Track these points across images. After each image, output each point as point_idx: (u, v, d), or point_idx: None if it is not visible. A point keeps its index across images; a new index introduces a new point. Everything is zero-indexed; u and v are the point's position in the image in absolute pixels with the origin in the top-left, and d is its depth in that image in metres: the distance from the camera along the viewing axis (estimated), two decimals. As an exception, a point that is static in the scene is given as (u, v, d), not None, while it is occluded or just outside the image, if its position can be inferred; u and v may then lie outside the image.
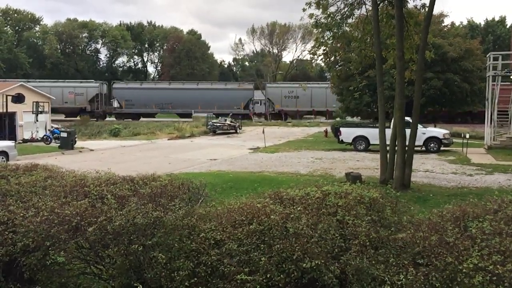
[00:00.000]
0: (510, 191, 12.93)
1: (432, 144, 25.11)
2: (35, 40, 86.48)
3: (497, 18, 78.59)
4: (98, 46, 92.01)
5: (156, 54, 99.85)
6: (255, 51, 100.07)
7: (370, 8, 15.10)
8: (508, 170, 17.83)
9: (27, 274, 5.58)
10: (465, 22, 75.95)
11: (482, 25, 76.96)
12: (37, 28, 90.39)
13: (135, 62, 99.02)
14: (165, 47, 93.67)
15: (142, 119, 58.16)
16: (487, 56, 28.08)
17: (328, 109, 56.78)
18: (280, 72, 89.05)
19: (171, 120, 53.93)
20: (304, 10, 15.43)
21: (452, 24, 39.20)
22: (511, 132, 27.27)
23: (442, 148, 25.19)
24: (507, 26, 75.91)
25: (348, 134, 26.83)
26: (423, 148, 24.91)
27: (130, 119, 56.59)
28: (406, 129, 14.16)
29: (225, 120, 44.30)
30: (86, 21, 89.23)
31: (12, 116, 32.31)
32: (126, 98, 58.94)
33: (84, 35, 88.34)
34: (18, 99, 32.10)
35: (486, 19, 78.27)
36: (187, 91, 58.79)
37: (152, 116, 60.59)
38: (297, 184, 7.27)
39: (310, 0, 15.26)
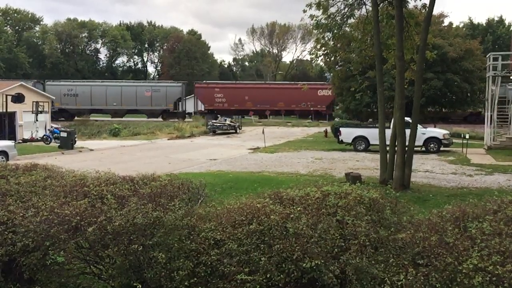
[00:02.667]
0: (510, 191, 12.93)
1: (432, 145, 25.12)
2: (35, 40, 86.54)
3: (497, 18, 78.65)
4: (98, 46, 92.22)
5: (156, 54, 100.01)
6: (255, 51, 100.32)
7: (370, 8, 15.10)
8: (508, 171, 17.84)
9: (26, 274, 5.58)
10: (466, 21, 76.04)
11: (482, 25, 76.92)
12: (37, 28, 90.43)
13: (135, 62, 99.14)
14: (165, 47, 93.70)
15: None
16: (487, 56, 28.09)
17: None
18: (280, 72, 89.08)
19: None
20: (304, 11, 15.46)
21: (450, 24, 39.17)
22: (510, 132, 27.29)
23: (442, 149, 25.19)
24: (507, 26, 75.91)
25: (348, 134, 26.83)
26: (423, 149, 24.91)
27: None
28: (406, 129, 14.17)
29: (225, 120, 44.32)
30: (85, 21, 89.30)
31: (12, 116, 32.32)
32: None
33: (84, 35, 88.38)
34: (18, 99, 32.11)
35: (488, 18, 78.34)
36: None
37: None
38: (297, 184, 7.26)
39: (311, 1, 15.27)
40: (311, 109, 56.40)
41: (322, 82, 61.94)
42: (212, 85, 60.39)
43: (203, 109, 58.44)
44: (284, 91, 57.01)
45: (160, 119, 55.43)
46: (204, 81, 65.48)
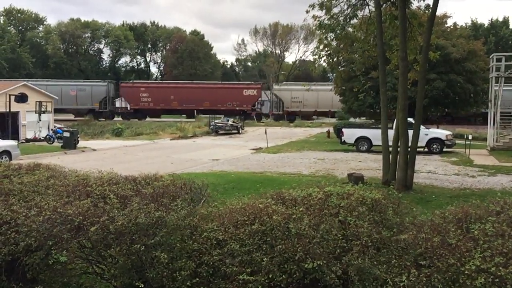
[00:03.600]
0: (513, 192, 12.90)
1: (435, 145, 25.07)
2: (38, 40, 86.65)
3: (500, 19, 78.43)
4: (101, 46, 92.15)
5: (159, 54, 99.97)
6: (257, 52, 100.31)
7: (374, 9, 15.09)
8: (511, 172, 17.79)
9: (29, 273, 5.58)
10: (469, 23, 75.85)
11: (485, 26, 76.73)
12: (40, 28, 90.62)
13: (138, 62, 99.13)
14: (168, 47, 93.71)
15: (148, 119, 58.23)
16: (490, 57, 28.02)
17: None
18: (282, 72, 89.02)
19: (174, 120, 54.06)
20: (307, 12, 15.46)
21: (455, 24, 39.04)
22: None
23: (444, 149, 25.14)
24: (511, 27, 75.70)
25: (350, 135, 26.81)
26: (426, 149, 24.87)
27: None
28: (408, 130, 14.15)
29: (228, 121, 44.33)
30: (89, 21, 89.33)
31: (15, 115, 32.38)
32: None
33: (87, 35, 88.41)
34: (21, 98, 32.18)
35: (491, 19, 78.11)
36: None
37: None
38: (299, 184, 7.27)
39: (314, 1, 15.28)
40: (237, 108, 56.16)
41: (248, 82, 62.53)
42: (138, 84, 60.33)
43: (128, 109, 58.33)
44: (210, 91, 56.78)
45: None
46: (130, 81, 65.37)
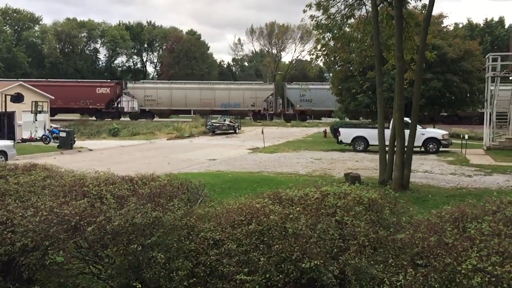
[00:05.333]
0: (509, 192, 12.94)
1: (431, 145, 25.14)
2: (34, 40, 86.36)
3: (496, 19, 78.77)
4: (97, 45, 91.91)
5: (155, 54, 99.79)
6: (254, 52, 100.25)
7: (370, 9, 15.12)
8: (507, 171, 17.86)
9: (26, 274, 5.57)
10: (465, 23, 76.11)
11: (481, 26, 77.01)
12: (36, 28, 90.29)
13: (134, 62, 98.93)
14: (164, 47, 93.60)
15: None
16: (486, 57, 28.12)
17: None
18: (279, 72, 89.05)
19: (171, 120, 54.03)
20: (304, 11, 15.48)
21: (455, 24, 39.14)
22: (510, 133, 27.31)
23: (441, 149, 25.21)
24: (506, 27, 76.00)
25: (347, 134, 26.85)
26: (422, 149, 24.93)
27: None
28: (405, 130, 14.18)
29: (224, 120, 44.31)
30: (85, 21, 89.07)
31: (11, 115, 32.27)
32: None
33: (83, 34, 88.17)
34: (17, 98, 32.07)
35: (486, 19, 78.42)
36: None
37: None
38: (296, 184, 7.27)
39: (311, 1, 15.28)
40: (90, 107, 55.21)
41: (101, 80, 60.74)
42: None
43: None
44: (63, 89, 54.30)
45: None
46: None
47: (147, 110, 56.35)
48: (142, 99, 56.49)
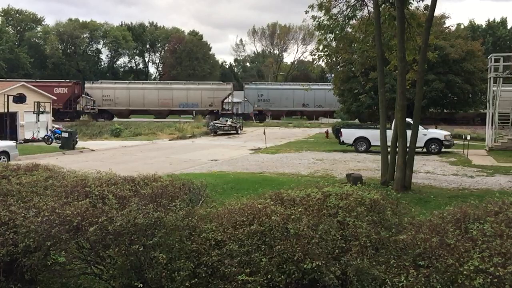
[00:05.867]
0: (511, 193, 12.92)
1: (433, 146, 25.09)
2: (36, 40, 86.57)
3: (498, 19, 78.62)
4: (100, 46, 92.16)
5: (157, 54, 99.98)
6: (256, 52, 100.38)
7: (372, 9, 15.11)
8: (509, 172, 17.82)
9: (28, 274, 5.58)
10: (467, 24, 76.01)
11: (483, 27, 76.92)
12: (38, 28, 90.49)
13: (137, 63, 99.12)
14: (166, 48, 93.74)
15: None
16: (489, 57, 28.06)
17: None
18: (281, 73, 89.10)
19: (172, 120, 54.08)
20: (306, 12, 15.48)
21: (458, 25, 39.10)
22: (512, 133, 27.24)
23: (443, 150, 25.17)
24: (509, 28, 75.90)
25: (349, 135, 26.83)
26: (424, 150, 24.89)
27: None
28: (407, 131, 14.16)
29: (226, 121, 44.33)
30: (87, 21, 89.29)
31: (13, 116, 32.33)
32: None
33: (85, 35, 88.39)
34: (20, 99, 32.13)
35: (488, 20, 78.29)
36: None
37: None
38: (298, 185, 7.26)
39: (312, 2, 15.30)
40: None
41: (59, 80, 59.57)
42: None
43: None
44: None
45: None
46: None
47: (105, 110, 56.39)
48: (100, 99, 56.53)
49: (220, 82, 65.32)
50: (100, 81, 60.90)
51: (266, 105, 58.11)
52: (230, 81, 68.30)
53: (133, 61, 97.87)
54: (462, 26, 66.48)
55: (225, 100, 58.12)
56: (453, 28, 39.68)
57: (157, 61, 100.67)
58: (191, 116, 57.16)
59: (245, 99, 60.56)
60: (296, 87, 59.30)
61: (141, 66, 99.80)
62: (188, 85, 59.46)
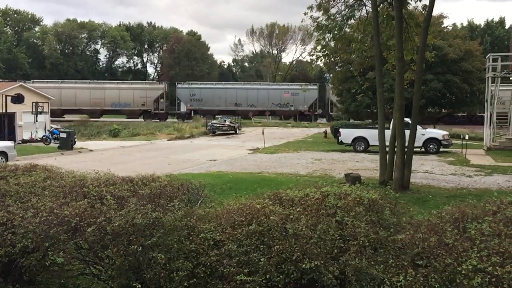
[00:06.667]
0: (509, 192, 12.94)
1: (432, 145, 25.13)
2: (34, 41, 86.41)
3: (496, 19, 78.78)
4: (98, 46, 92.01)
5: (155, 54, 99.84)
6: (254, 52, 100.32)
7: (371, 9, 15.12)
8: (508, 171, 17.85)
9: (26, 275, 5.57)
10: (465, 23, 76.14)
11: (481, 27, 77.04)
12: (36, 29, 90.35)
13: (135, 63, 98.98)
14: (164, 48, 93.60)
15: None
16: (487, 57, 28.11)
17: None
18: (280, 73, 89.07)
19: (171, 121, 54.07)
20: (305, 13, 15.49)
21: (454, 25, 39.20)
22: (510, 133, 27.30)
23: (441, 149, 25.21)
24: (507, 27, 76.03)
25: (347, 135, 26.86)
26: (423, 149, 24.93)
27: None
28: (405, 130, 14.17)
29: (225, 121, 44.33)
30: (85, 22, 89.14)
31: (11, 116, 32.28)
32: None
33: (83, 35, 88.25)
34: (18, 99, 32.06)
35: (487, 19, 78.42)
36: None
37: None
38: (296, 185, 7.26)
39: (310, 3, 15.32)
40: None
41: None
42: None
43: None
44: None
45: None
46: None
47: None
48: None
49: (153, 81, 65.00)
50: (32, 80, 60.50)
51: (198, 104, 58.29)
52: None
53: (131, 61, 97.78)
54: (459, 26, 66.60)
55: (161, 100, 58.11)
56: (450, 28, 39.78)
57: (156, 61, 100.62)
58: (125, 116, 57.40)
59: (178, 99, 60.41)
60: (228, 86, 60.30)
61: (139, 66, 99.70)
62: (120, 84, 59.49)
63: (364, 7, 15.84)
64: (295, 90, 57.89)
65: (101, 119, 56.56)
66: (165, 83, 61.57)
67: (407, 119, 15.48)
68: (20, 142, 31.39)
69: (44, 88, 55.81)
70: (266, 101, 57.51)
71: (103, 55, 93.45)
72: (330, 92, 56.82)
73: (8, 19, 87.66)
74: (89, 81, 63.36)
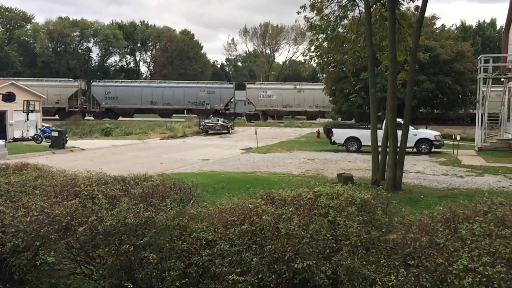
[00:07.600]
0: (500, 192, 13.05)
1: (424, 146, 25.27)
2: (26, 38, 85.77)
3: (488, 20, 79.42)
4: (90, 45, 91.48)
5: (148, 53, 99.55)
6: (247, 52, 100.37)
7: (364, 10, 15.17)
8: (498, 172, 17.99)
9: (16, 274, 5.53)
10: (458, 24, 76.65)
11: (473, 28, 77.62)
12: (28, 27, 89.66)
13: (127, 62, 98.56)
14: (157, 47, 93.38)
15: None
16: (478, 58, 28.30)
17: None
18: (273, 72, 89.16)
19: (163, 120, 53.90)
20: (298, 13, 15.50)
21: (443, 26, 39.46)
22: (501, 134, 27.51)
23: (433, 150, 25.35)
24: (498, 28, 76.63)
25: (340, 135, 26.93)
26: (415, 150, 25.05)
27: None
28: (397, 131, 14.23)
29: (218, 120, 44.27)
30: (77, 20, 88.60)
31: (2, 114, 32.02)
32: None
33: (75, 33, 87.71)
34: (9, 97, 31.81)
35: (478, 20, 79.02)
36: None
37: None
38: (289, 184, 7.27)
39: (303, 3, 15.33)
40: None
41: None
42: None
43: None
44: None
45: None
46: None
47: None
48: None
49: (68, 79, 63.86)
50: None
51: (114, 102, 57.94)
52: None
53: (124, 60, 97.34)
54: (452, 28, 66.99)
55: (78, 97, 57.75)
56: (441, 28, 39.95)
57: (148, 60, 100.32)
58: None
59: (92, 97, 59.73)
60: (144, 84, 60.21)
61: (132, 65, 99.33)
62: (30, 82, 57.65)
63: (357, 8, 15.91)
64: (211, 88, 58.16)
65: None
66: (81, 81, 60.89)
67: (399, 120, 15.54)
68: (11, 140, 31.14)
69: None
70: (182, 99, 57.26)
71: (95, 53, 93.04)
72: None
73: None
74: (3, 78, 62.46)
